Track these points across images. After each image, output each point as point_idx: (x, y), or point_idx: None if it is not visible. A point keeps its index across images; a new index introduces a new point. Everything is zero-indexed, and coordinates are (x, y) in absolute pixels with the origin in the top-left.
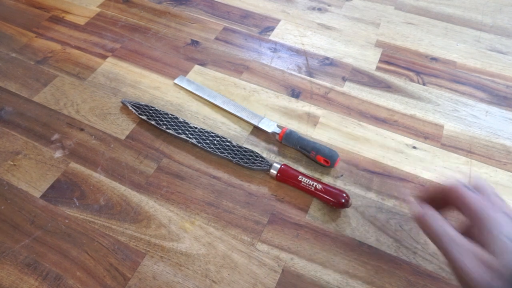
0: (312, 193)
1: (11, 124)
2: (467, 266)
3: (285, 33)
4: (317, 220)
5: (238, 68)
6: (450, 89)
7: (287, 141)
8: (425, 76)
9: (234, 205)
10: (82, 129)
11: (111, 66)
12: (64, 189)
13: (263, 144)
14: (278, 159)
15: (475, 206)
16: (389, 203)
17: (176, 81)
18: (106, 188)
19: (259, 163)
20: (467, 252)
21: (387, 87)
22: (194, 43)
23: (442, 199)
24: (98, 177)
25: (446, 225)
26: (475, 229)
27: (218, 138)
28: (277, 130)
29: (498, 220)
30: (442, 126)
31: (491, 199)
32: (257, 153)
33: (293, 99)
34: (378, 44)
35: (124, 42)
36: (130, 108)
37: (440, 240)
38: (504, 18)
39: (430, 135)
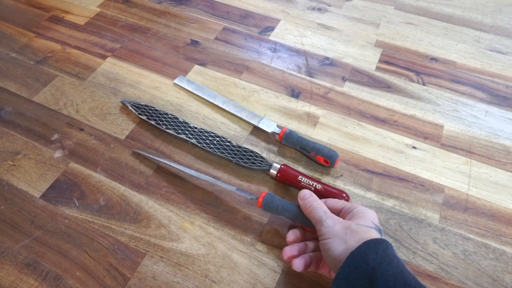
0: None
1: (11, 124)
2: (331, 225)
3: (285, 33)
4: None
5: (238, 68)
6: (450, 89)
7: (287, 141)
8: (425, 76)
9: (234, 205)
10: (82, 129)
11: (111, 66)
12: (64, 189)
13: (263, 144)
14: (278, 159)
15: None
16: (389, 203)
17: (176, 81)
18: (106, 188)
19: (259, 163)
20: (336, 219)
21: (387, 87)
22: (194, 43)
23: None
24: (98, 177)
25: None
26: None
27: (218, 138)
28: (277, 130)
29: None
30: (442, 126)
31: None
32: (257, 153)
33: (293, 99)
34: (378, 44)
35: (124, 42)
36: (130, 108)
37: (318, 212)
38: (504, 18)
39: (430, 135)
